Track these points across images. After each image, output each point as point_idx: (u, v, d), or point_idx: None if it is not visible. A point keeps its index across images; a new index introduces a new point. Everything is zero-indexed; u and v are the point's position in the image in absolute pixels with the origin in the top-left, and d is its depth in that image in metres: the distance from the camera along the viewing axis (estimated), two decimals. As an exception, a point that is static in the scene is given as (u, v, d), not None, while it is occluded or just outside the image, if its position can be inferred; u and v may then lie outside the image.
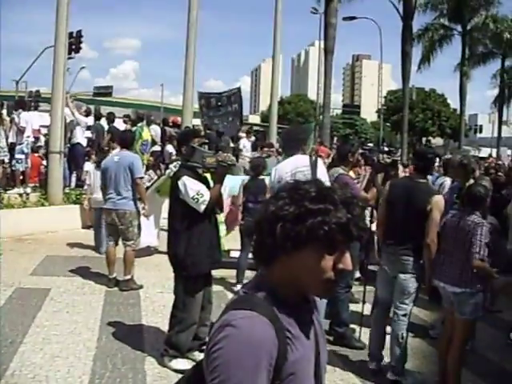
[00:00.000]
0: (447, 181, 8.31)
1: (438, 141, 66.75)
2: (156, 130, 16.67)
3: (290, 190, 1.76)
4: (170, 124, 18.76)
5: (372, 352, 5.90)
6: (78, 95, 46.23)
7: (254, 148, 18.54)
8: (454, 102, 51.50)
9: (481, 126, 67.66)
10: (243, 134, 19.16)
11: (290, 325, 1.74)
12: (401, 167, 7.88)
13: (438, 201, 5.52)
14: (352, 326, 6.79)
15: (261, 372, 1.59)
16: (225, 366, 1.58)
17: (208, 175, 5.74)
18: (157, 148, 16.19)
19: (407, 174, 9.17)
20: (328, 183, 4.93)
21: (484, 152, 53.35)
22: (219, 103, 17.61)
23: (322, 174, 5.66)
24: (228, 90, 18.41)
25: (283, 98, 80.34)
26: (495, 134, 55.47)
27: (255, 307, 1.68)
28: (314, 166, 5.70)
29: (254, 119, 79.27)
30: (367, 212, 7.09)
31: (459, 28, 42.86)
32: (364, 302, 6.75)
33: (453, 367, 5.35)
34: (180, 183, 5.42)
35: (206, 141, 5.93)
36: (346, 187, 1.87)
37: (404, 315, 5.64)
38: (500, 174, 11.16)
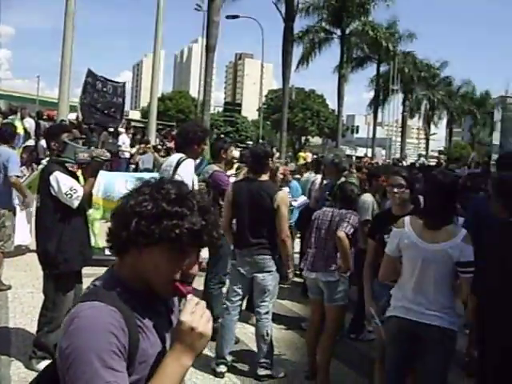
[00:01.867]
0: (318, 178, 8.61)
1: (316, 140, 68.74)
2: (31, 123, 16.07)
3: (152, 188, 1.79)
4: (45, 117, 18.16)
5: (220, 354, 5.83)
6: None
7: (133, 144, 18.33)
8: (332, 103, 53.25)
9: (357, 126, 70.03)
10: (123, 130, 18.85)
11: (141, 315, 1.77)
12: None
13: (284, 196, 5.70)
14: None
15: (113, 354, 1.61)
16: (78, 358, 1.58)
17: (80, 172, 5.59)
18: (31, 143, 15.59)
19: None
20: (190, 185, 4.95)
21: (360, 151, 55.49)
22: (104, 89, 17.15)
23: (185, 175, 5.51)
24: (115, 81, 18.06)
25: (164, 95, 79.62)
26: (371, 135, 57.83)
27: (102, 298, 1.69)
28: (176, 166, 5.61)
29: (135, 115, 77.91)
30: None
31: (338, 32, 44.25)
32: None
33: (323, 357, 5.56)
34: (52, 178, 5.22)
35: (79, 136, 5.78)
36: (205, 193, 1.92)
37: (266, 313, 5.76)
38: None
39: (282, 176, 7.42)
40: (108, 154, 5.39)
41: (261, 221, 5.64)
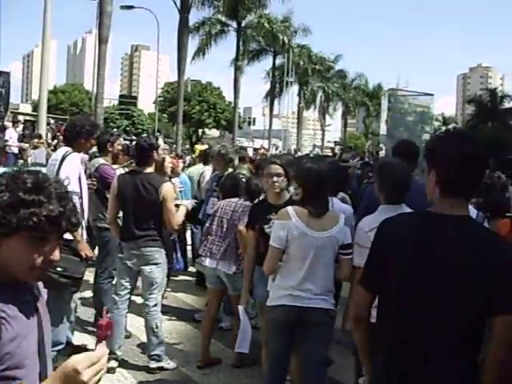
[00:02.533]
0: (206, 170, 8.65)
1: (213, 132, 68.63)
2: None
3: (9, 178, 1.79)
4: None
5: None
6: None
7: (21, 139, 17.70)
8: (230, 95, 53.40)
9: (254, 118, 70.79)
10: (9, 124, 18.14)
11: (5, 304, 1.76)
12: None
13: (169, 188, 5.69)
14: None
15: None
16: None
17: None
18: None
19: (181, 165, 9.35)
20: (68, 180, 4.84)
21: (257, 143, 56.04)
22: None
23: (70, 169, 5.31)
24: None
25: (57, 87, 77.15)
26: (268, 127, 58.53)
27: None
28: (61, 160, 5.42)
29: (25, 108, 75.19)
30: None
31: (234, 24, 44.45)
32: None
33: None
34: None
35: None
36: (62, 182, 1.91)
37: (155, 305, 5.76)
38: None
39: (170, 168, 7.36)
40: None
41: (146, 213, 5.63)
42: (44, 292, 2.04)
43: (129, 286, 5.84)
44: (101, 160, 6.57)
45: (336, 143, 68.22)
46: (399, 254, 2.44)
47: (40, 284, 2.02)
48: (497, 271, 2.29)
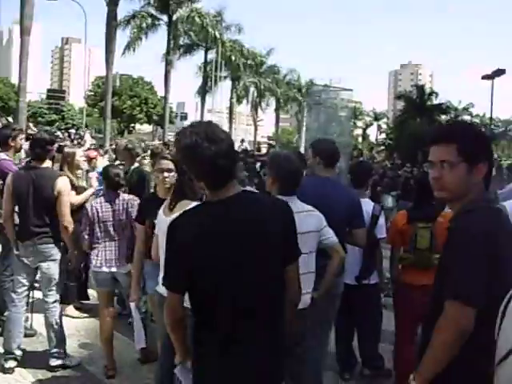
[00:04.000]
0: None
1: (145, 127, 68.12)
2: None
3: None
4: None
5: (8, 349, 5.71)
6: None
7: None
8: (162, 90, 52.96)
9: (186, 113, 70.30)
10: None
11: None
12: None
13: (64, 183, 5.65)
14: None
15: None
16: None
17: None
18: None
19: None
20: None
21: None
22: None
23: None
24: None
25: (-20, 80, 74.78)
26: (200, 122, 58.25)
27: None
28: None
29: None
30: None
31: (166, 18, 44.07)
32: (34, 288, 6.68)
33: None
34: None
35: None
36: None
37: (54, 301, 5.71)
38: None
39: (84, 161, 7.28)
40: None
41: (42, 209, 5.55)
42: None
43: (26, 283, 5.73)
44: (2, 155, 6.40)
45: (269, 138, 68.66)
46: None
47: None
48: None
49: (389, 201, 14.17)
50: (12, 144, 6.50)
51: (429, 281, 5.19)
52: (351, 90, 16.03)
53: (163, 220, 4.30)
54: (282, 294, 2.69)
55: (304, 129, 13.58)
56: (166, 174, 4.87)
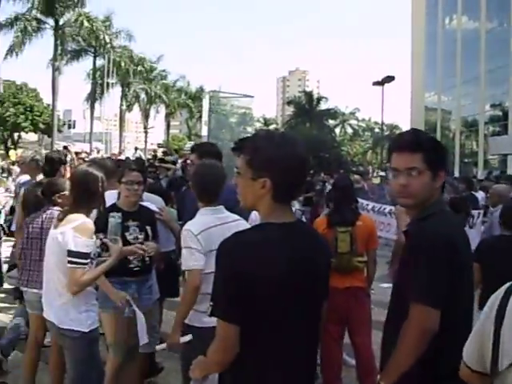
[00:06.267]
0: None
1: (31, 136, 65.46)
2: None
3: None
4: None
5: None
6: None
7: None
8: (48, 97, 51.19)
9: (74, 121, 68.43)
10: None
11: None
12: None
13: None
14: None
15: None
16: None
17: None
18: None
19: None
20: None
21: (79, 147, 54.25)
22: None
23: None
24: None
25: None
26: (89, 129, 56.95)
27: None
28: None
29: None
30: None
31: (52, 22, 42.66)
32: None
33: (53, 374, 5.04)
34: None
35: None
36: None
37: None
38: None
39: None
40: None
41: None
42: None
43: None
44: None
45: (159, 145, 67.99)
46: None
47: None
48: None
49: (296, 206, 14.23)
50: None
51: (351, 283, 5.38)
52: (252, 96, 16.06)
53: (49, 233, 4.22)
54: (320, 324, 2.58)
55: (206, 133, 13.44)
56: (136, 187, 4.85)
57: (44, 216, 5.11)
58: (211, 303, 2.37)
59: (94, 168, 4.36)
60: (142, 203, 5.15)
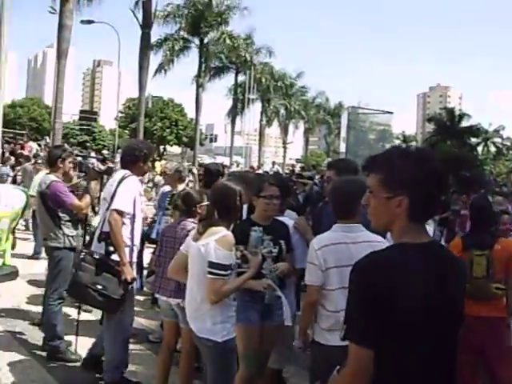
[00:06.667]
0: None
1: (175, 149, 68.47)
2: None
3: None
4: None
5: None
6: None
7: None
8: (192, 112, 53.18)
9: (216, 135, 70.67)
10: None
11: None
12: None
13: None
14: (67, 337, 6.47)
15: None
16: None
17: None
18: None
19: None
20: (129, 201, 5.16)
21: (220, 160, 55.88)
22: None
23: (125, 191, 5.40)
24: None
25: (15, 101, 75.85)
26: (230, 144, 58.51)
27: None
28: (119, 182, 5.43)
29: (-17, 123, 73.77)
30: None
31: (197, 41, 44.51)
32: (80, 311, 6.57)
33: (180, 378, 5.27)
34: None
35: None
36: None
37: None
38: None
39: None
40: None
41: None
42: None
43: None
44: (52, 177, 6.33)
45: (297, 161, 68.55)
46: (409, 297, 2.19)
47: None
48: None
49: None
50: (60, 165, 6.42)
51: (488, 312, 5.01)
52: (391, 113, 15.78)
53: (192, 245, 4.27)
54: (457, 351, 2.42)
55: (344, 150, 13.36)
56: (275, 201, 4.84)
57: (178, 227, 5.30)
58: (344, 325, 2.24)
59: (233, 182, 4.47)
60: (276, 217, 5.09)
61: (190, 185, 9.82)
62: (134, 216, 5.47)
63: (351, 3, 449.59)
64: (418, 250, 2.25)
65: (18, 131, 41.33)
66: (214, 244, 4.08)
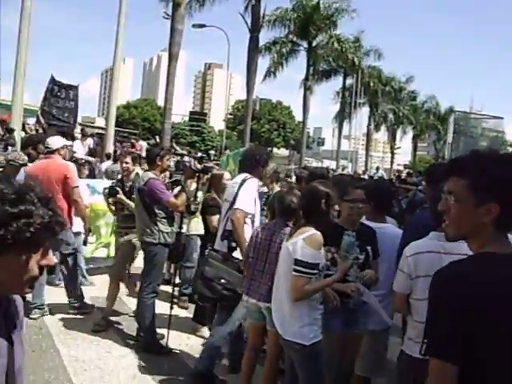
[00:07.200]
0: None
1: (282, 152, 68.83)
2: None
3: None
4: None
5: None
6: None
7: (91, 153, 18.12)
8: (299, 115, 53.41)
9: (324, 139, 70.55)
10: (79, 136, 18.57)
11: None
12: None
13: None
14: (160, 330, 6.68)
15: None
16: None
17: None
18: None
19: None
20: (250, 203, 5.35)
21: (326, 164, 55.75)
22: (59, 93, 16.69)
23: (246, 192, 5.68)
24: (67, 84, 17.42)
25: (130, 102, 79.04)
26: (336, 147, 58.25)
27: None
28: (240, 184, 5.72)
29: (101, 122, 77.54)
30: (176, 218, 7.04)
31: (305, 44, 44.62)
32: (172, 306, 6.78)
33: (264, 380, 5.21)
34: None
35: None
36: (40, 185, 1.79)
37: None
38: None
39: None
40: (25, 158, 5.27)
41: None
42: (21, 311, 1.93)
43: None
44: (150, 174, 6.56)
45: (405, 166, 67.11)
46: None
47: (19, 302, 1.92)
48: None
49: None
50: (159, 163, 6.65)
51: None
52: (501, 117, 15.09)
53: (283, 246, 4.37)
54: None
55: (448, 156, 12.93)
56: (360, 205, 4.77)
57: (273, 229, 5.11)
58: (424, 340, 2.09)
59: (322, 184, 4.45)
60: (363, 221, 4.99)
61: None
62: (253, 216, 5.74)
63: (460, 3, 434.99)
64: (506, 261, 2.10)
65: (131, 130, 42.95)
66: (301, 242, 4.13)
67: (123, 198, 7.26)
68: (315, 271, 4.11)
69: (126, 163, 7.48)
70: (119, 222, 7.55)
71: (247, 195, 5.68)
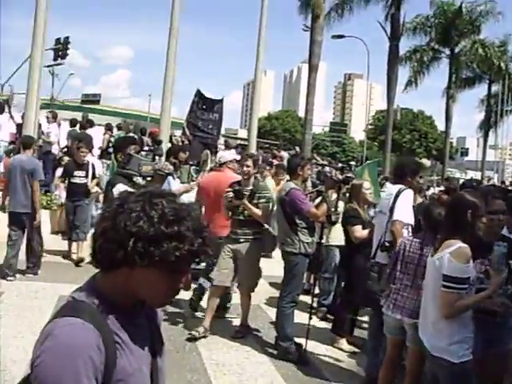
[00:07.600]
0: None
1: (424, 162, 67.06)
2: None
3: (145, 202, 1.72)
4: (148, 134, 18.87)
5: None
6: (66, 102, 46.20)
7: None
8: (441, 124, 51.79)
9: (467, 149, 67.90)
10: (222, 147, 19.17)
11: (120, 329, 1.72)
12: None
13: None
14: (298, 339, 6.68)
15: (86, 378, 1.56)
16: (50, 380, 1.55)
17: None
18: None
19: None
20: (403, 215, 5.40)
21: (470, 175, 53.66)
22: (204, 106, 17.37)
23: (402, 204, 5.74)
24: (214, 98, 18.02)
25: (271, 114, 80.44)
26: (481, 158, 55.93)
27: (80, 313, 1.65)
28: (396, 196, 5.78)
29: (243, 133, 79.64)
30: (317, 228, 7.04)
31: (447, 51, 43.21)
32: (311, 316, 6.77)
33: None
34: (115, 190, 5.41)
35: (146, 148, 5.97)
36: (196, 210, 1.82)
37: None
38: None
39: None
40: (171, 167, 5.48)
41: None
42: (161, 314, 2.01)
43: None
44: (291, 184, 6.63)
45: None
46: None
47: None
48: None
49: None
50: (300, 173, 6.72)
51: None
52: None
53: (429, 261, 4.27)
54: None
55: None
56: (501, 217, 4.62)
57: (423, 243, 5.01)
58: None
59: (471, 194, 4.27)
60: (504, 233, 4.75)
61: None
62: (409, 226, 5.77)
63: None
64: None
65: (272, 141, 43.65)
66: (448, 256, 3.97)
67: (246, 203, 6.80)
68: (465, 286, 3.94)
69: (248, 166, 7.03)
70: (233, 226, 7.09)
71: (405, 206, 5.74)
